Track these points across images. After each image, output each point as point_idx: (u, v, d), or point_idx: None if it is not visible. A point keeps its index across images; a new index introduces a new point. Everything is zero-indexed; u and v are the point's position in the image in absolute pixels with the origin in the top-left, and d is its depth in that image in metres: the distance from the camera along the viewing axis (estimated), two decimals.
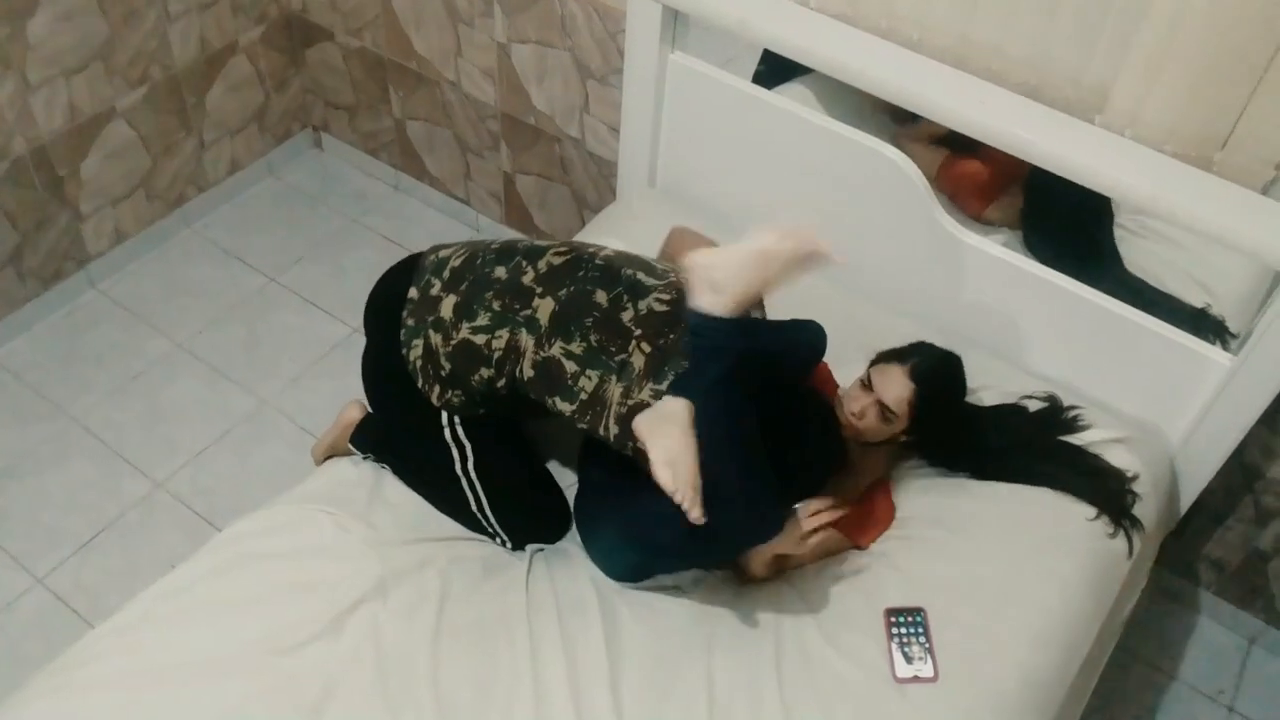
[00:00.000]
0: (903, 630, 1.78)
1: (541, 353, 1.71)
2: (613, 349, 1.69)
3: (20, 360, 2.84)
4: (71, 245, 2.92)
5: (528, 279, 1.75)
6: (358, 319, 2.98)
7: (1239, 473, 2.29)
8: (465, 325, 1.75)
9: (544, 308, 1.72)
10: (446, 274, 1.81)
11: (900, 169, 2.11)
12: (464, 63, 2.85)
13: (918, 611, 1.81)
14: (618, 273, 1.75)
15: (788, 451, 1.71)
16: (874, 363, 1.98)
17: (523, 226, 3.15)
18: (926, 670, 1.73)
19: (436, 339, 1.77)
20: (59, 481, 2.60)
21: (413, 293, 1.81)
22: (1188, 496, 2.17)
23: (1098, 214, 2.18)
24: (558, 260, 1.77)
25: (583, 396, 1.68)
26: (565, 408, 1.70)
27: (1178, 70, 1.81)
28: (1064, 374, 2.15)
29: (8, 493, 2.57)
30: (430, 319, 1.78)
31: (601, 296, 1.72)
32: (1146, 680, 2.45)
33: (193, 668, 1.68)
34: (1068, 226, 2.21)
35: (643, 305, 1.71)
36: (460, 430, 1.83)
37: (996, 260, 2.11)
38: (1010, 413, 2.08)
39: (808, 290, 2.27)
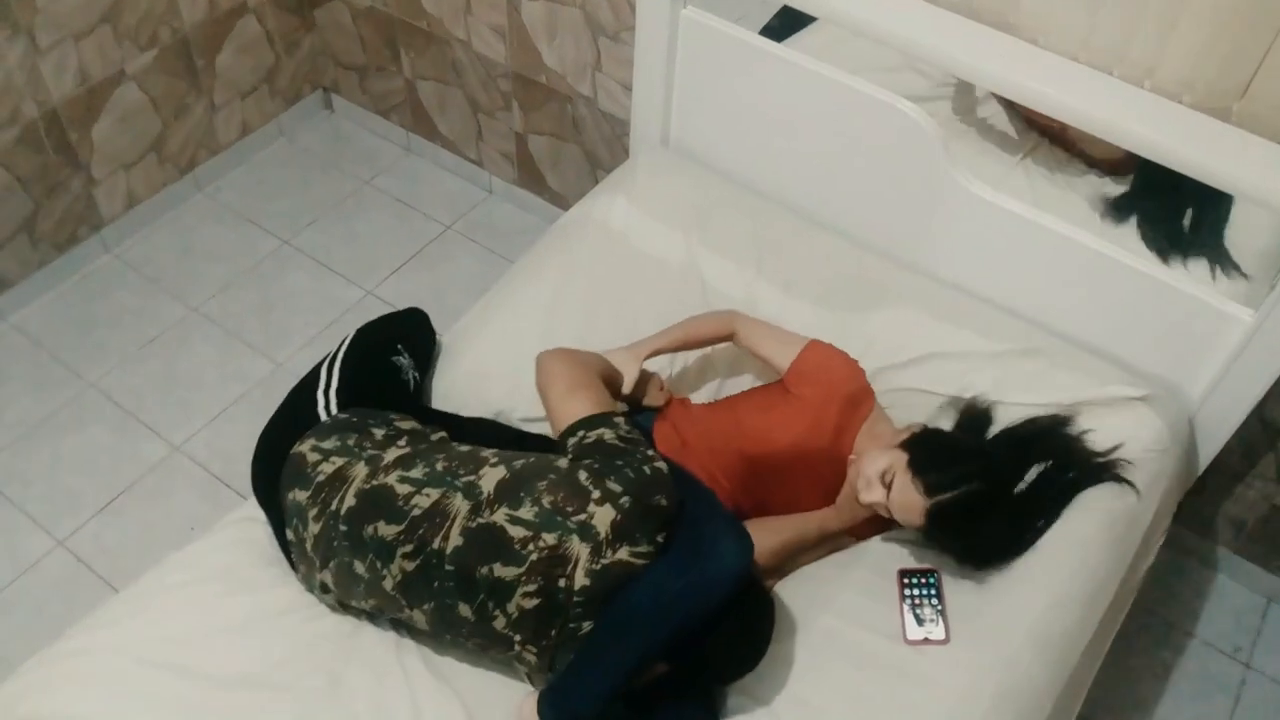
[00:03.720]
0: (915, 591, 1.77)
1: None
2: (498, 654, 1.64)
3: (36, 325, 2.85)
4: (85, 210, 2.92)
5: (389, 586, 1.62)
6: (371, 282, 2.99)
7: (1260, 430, 2.27)
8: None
9: (418, 619, 1.65)
10: (309, 539, 1.68)
11: (915, 123, 2.08)
12: (474, 21, 2.82)
13: (931, 573, 1.80)
14: (472, 576, 1.56)
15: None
16: (909, 448, 1.76)
17: (535, 187, 3.13)
18: (938, 632, 1.73)
19: (318, 592, 1.74)
20: (77, 445, 2.62)
21: (289, 533, 1.72)
22: (1207, 454, 2.15)
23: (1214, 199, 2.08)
24: (410, 566, 1.60)
25: None
26: None
27: (1195, 20, 1.77)
28: (1082, 330, 2.12)
29: (27, 457, 2.59)
30: (307, 572, 1.73)
31: (465, 610, 1.59)
32: (1164, 638, 2.44)
33: (215, 634, 1.70)
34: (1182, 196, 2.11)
35: (511, 608, 1.56)
36: None
37: (1012, 215, 2.07)
38: (1029, 502, 1.88)
39: (820, 248, 2.26)
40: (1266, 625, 2.48)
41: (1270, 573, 2.49)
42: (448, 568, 1.58)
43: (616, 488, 1.57)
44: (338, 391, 1.83)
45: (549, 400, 1.79)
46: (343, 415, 1.78)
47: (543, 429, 1.96)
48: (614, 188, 2.39)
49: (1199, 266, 2.17)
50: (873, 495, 1.74)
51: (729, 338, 2.04)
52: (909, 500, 1.71)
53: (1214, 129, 1.83)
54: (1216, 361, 2.01)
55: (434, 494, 1.61)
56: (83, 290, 2.94)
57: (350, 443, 1.70)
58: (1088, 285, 2.08)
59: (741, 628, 1.57)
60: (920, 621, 1.74)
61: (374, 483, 1.64)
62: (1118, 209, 2.22)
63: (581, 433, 1.69)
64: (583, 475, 1.60)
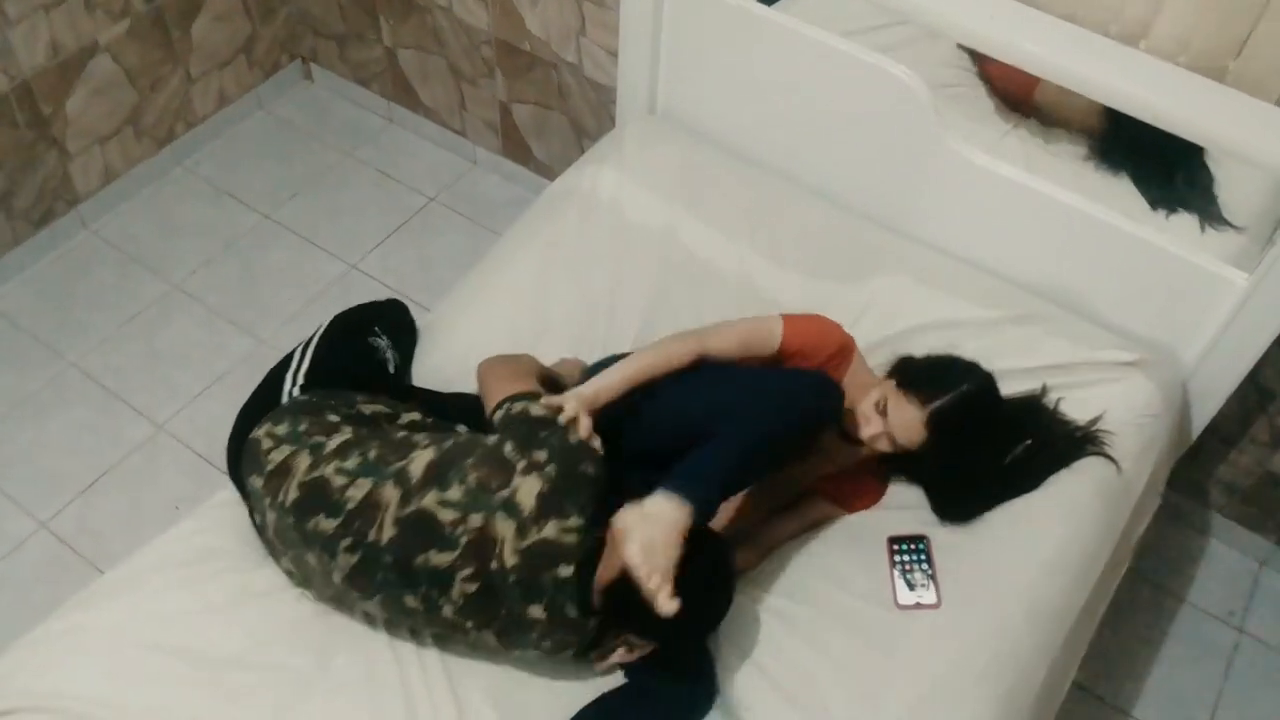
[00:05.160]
0: (905, 558, 1.76)
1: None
2: (459, 639, 1.62)
3: (14, 304, 2.81)
4: (60, 185, 2.87)
5: (337, 579, 1.61)
6: (354, 255, 2.95)
7: (1253, 395, 2.26)
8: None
9: (374, 610, 1.63)
10: (268, 527, 1.67)
11: (907, 87, 2.04)
12: None
13: (920, 539, 1.79)
14: (410, 566, 1.54)
15: None
16: (895, 375, 1.82)
17: (521, 157, 3.08)
18: (929, 597, 1.72)
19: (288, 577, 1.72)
20: (59, 426, 2.58)
21: (255, 517, 1.71)
22: (1200, 420, 2.14)
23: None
24: (353, 560, 1.57)
25: None
26: None
27: None
28: (1076, 296, 2.10)
29: (8, 438, 2.56)
30: (275, 557, 1.72)
31: (412, 600, 1.56)
32: (1157, 603, 2.44)
33: (204, 614, 1.68)
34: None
35: (455, 594, 1.53)
36: None
37: (1005, 180, 2.05)
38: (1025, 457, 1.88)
39: (810, 214, 2.23)
40: (1259, 590, 2.48)
41: (1263, 537, 2.49)
42: (386, 559, 1.55)
43: (542, 455, 1.55)
44: (306, 373, 1.81)
45: (485, 395, 1.74)
46: (302, 398, 1.75)
47: None
48: (601, 158, 2.35)
49: (1187, 220, 2.15)
50: (872, 427, 1.75)
51: (697, 362, 1.80)
52: (907, 417, 1.73)
53: (1209, 88, 1.80)
54: (1211, 326, 2.00)
55: (366, 484, 1.58)
56: (61, 267, 2.89)
57: (301, 429, 1.66)
58: (1081, 250, 2.06)
59: (707, 577, 1.55)
60: (911, 586, 1.73)
61: (313, 474, 1.61)
62: (1109, 160, 2.20)
63: (507, 406, 1.65)
64: (508, 448, 1.58)
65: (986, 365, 1.96)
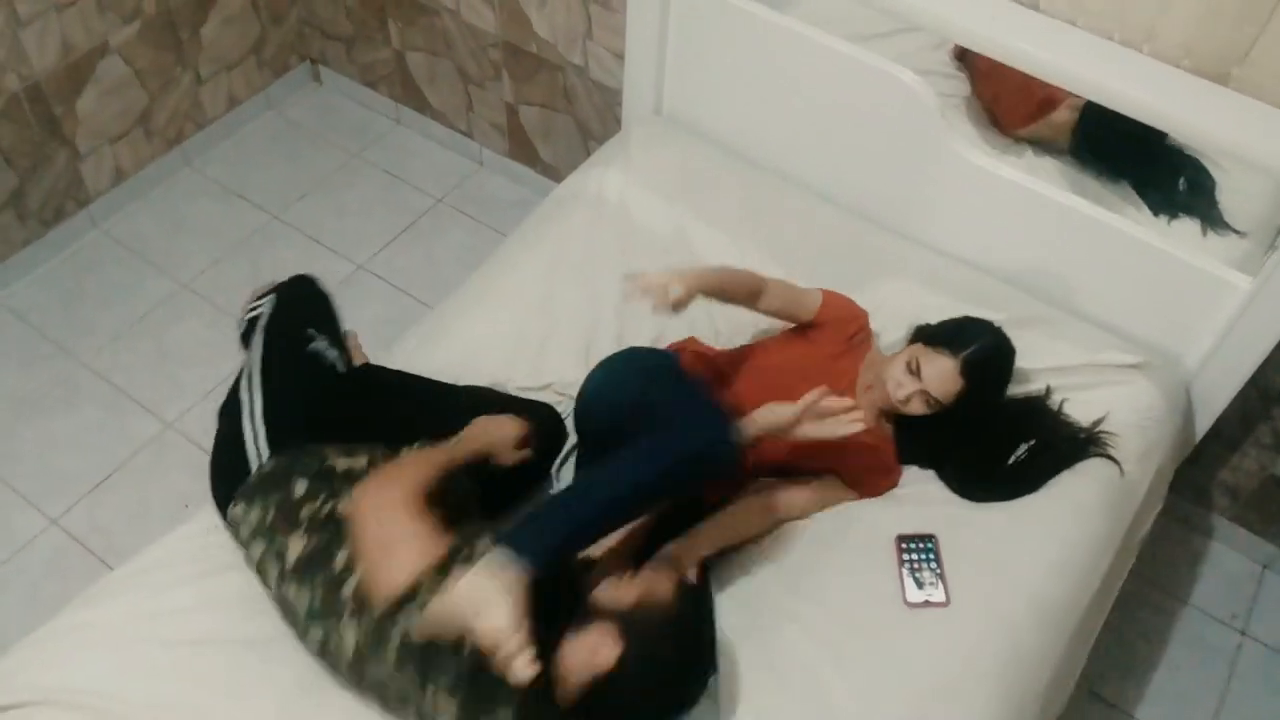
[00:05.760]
0: (913, 556, 1.77)
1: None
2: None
3: (24, 302, 2.82)
4: (71, 185, 2.89)
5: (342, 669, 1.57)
6: (361, 255, 2.97)
7: (1256, 398, 2.26)
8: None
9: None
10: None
11: (913, 92, 2.05)
12: None
13: (929, 538, 1.80)
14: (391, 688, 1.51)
15: None
16: (919, 339, 1.90)
17: (527, 159, 3.10)
18: (938, 595, 1.73)
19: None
20: (68, 424, 2.60)
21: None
22: (1204, 422, 2.15)
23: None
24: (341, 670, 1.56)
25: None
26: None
27: None
28: (1079, 298, 2.12)
29: (18, 436, 2.57)
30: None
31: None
32: (1160, 606, 2.45)
33: (214, 607, 1.69)
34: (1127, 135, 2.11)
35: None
36: None
37: (1009, 184, 2.06)
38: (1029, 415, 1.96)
39: (814, 217, 2.24)
40: (1262, 592, 2.49)
41: (1266, 540, 2.50)
42: (367, 682, 1.54)
43: (445, 684, 1.45)
44: (265, 416, 1.74)
45: (390, 543, 1.53)
46: (269, 466, 1.68)
47: (539, 397, 1.95)
48: (607, 160, 2.37)
49: (1189, 225, 2.17)
50: (906, 388, 1.82)
51: (758, 296, 1.91)
52: (942, 368, 1.80)
53: (1213, 92, 1.81)
54: (1214, 329, 2.01)
55: (318, 634, 1.55)
56: (71, 266, 2.91)
57: (269, 519, 1.62)
58: (1085, 254, 2.07)
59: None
60: (920, 584, 1.74)
61: (280, 591, 1.59)
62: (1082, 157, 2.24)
63: (403, 622, 1.46)
64: (408, 679, 1.48)
65: None
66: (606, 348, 2.02)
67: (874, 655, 1.68)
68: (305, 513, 1.61)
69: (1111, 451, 1.91)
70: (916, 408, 1.83)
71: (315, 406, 1.79)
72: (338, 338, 1.98)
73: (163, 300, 2.85)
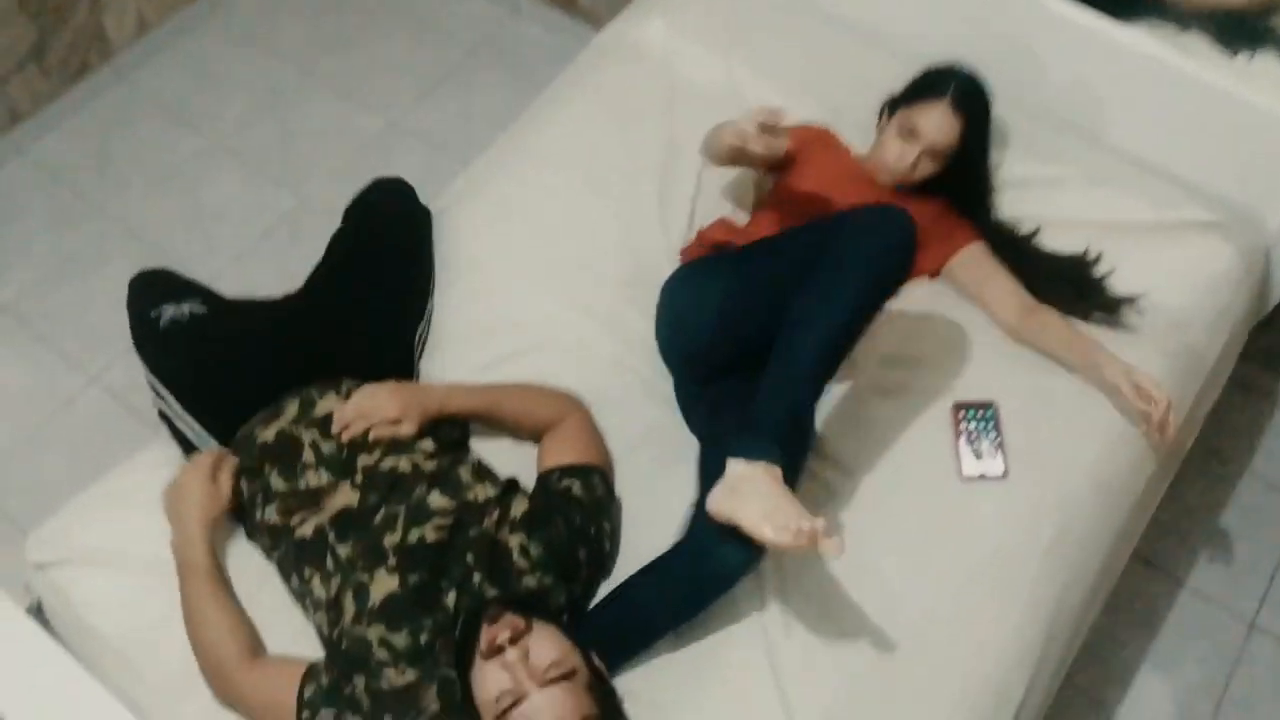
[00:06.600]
0: (972, 425, 1.70)
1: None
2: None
3: (54, 159, 2.76)
4: (93, 37, 2.78)
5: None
6: (394, 113, 2.87)
7: None
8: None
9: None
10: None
11: None
12: None
13: (988, 406, 1.72)
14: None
15: None
16: (898, 105, 1.85)
17: (564, 3, 2.94)
18: (995, 467, 1.66)
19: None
20: (104, 282, 2.56)
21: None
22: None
23: None
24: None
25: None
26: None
27: None
28: (1154, 152, 1.99)
29: (55, 295, 2.55)
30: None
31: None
32: (1223, 474, 2.38)
33: None
34: None
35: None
36: None
37: (1086, 30, 1.92)
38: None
39: (870, 67, 2.09)
40: None
41: None
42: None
43: None
44: (190, 410, 1.76)
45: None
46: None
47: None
48: (650, 6, 2.23)
49: (1271, 64, 2.00)
50: (909, 153, 1.79)
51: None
52: (934, 116, 1.78)
53: None
54: None
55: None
56: (99, 122, 2.83)
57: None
58: (1161, 102, 1.93)
59: None
60: (978, 456, 1.67)
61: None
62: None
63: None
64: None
65: (1066, 224, 1.89)
66: (651, 213, 1.94)
67: (924, 524, 1.63)
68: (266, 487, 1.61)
69: (1132, 326, 1.81)
70: (926, 168, 1.80)
71: (204, 368, 1.78)
72: (188, 292, 1.92)
73: (193, 156, 2.78)
